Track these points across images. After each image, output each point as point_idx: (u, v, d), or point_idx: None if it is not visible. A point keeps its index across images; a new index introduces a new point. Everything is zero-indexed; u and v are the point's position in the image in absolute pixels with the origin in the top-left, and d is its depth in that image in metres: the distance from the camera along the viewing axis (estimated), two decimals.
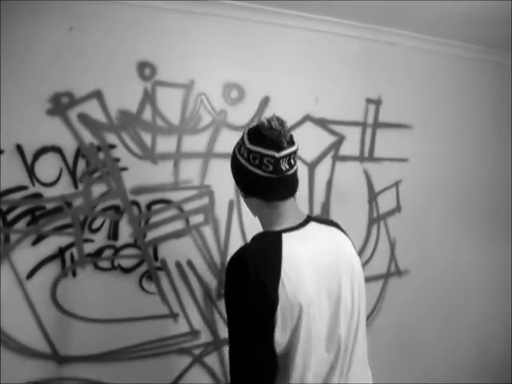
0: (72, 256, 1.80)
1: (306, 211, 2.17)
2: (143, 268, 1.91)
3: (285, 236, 1.10)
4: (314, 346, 1.07)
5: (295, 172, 1.15)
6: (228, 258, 2.07)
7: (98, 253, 1.84)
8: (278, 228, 1.14)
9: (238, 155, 1.16)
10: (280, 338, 1.03)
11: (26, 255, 1.74)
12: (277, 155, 1.07)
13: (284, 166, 1.09)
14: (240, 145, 1.16)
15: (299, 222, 1.16)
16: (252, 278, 1.01)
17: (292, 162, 1.12)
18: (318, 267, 1.09)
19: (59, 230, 1.78)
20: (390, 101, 2.35)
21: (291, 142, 1.12)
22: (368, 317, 2.35)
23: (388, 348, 2.41)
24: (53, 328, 1.79)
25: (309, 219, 1.20)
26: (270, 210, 1.16)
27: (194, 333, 2.01)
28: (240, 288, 1.04)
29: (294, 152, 1.12)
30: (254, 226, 2.07)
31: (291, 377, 1.05)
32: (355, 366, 1.15)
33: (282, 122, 1.10)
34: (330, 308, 1.10)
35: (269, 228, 1.18)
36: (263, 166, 1.09)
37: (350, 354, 1.14)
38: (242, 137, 1.16)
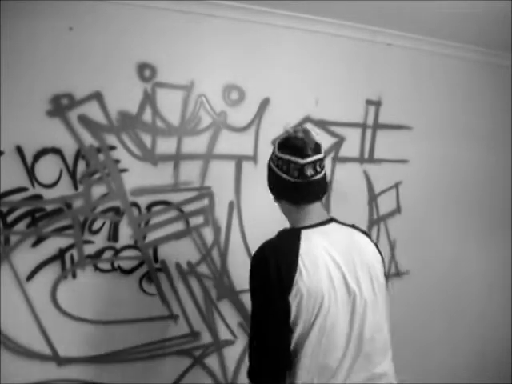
0: (72, 257, 1.80)
1: None
2: (143, 269, 1.91)
3: (304, 231, 1.21)
4: (327, 338, 1.14)
5: (322, 178, 1.25)
6: (228, 259, 2.08)
7: (98, 254, 1.84)
8: (299, 225, 1.25)
9: (270, 163, 1.29)
10: (294, 325, 1.13)
11: (26, 257, 1.74)
12: (301, 161, 1.18)
13: (309, 171, 1.19)
14: (272, 153, 1.29)
15: (320, 221, 1.26)
16: (270, 265, 1.12)
17: (318, 168, 1.21)
18: (335, 261, 1.18)
19: (59, 231, 1.78)
20: (390, 102, 2.35)
21: (316, 150, 1.22)
22: None
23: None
24: (53, 329, 1.79)
25: (331, 220, 1.29)
26: (296, 211, 1.27)
27: (194, 334, 2.01)
28: (259, 274, 1.16)
29: (320, 159, 1.22)
30: (254, 227, 2.08)
31: (300, 366, 1.14)
32: (364, 362, 1.19)
33: (306, 132, 1.23)
34: (347, 302, 1.17)
35: (293, 226, 1.29)
36: (290, 172, 1.20)
37: (360, 350, 1.18)
38: (274, 146, 1.28)
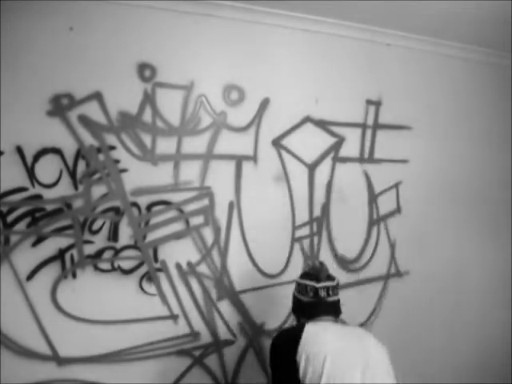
0: (72, 257, 1.80)
1: (305, 213, 2.19)
2: (143, 269, 1.91)
3: (309, 323, 1.46)
4: None
5: (335, 301, 1.53)
6: (228, 259, 2.08)
7: (98, 254, 1.84)
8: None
9: (294, 291, 1.61)
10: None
11: (26, 257, 1.74)
12: (316, 285, 1.51)
13: (322, 293, 1.50)
14: (296, 283, 1.61)
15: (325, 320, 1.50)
16: (279, 350, 1.43)
17: (330, 292, 1.52)
18: (335, 338, 1.39)
19: (59, 231, 1.78)
20: (389, 102, 2.35)
21: (330, 279, 1.55)
22: (367, 318, 2.35)
23: (388, 349, 2.40)
24: (53, 329, 1.79)
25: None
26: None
27: (194, 334, 2.01)
28: (273, 358, 1.45)
29: (333, 286, 1.53)
30: (253, 227, 2.08)
31: None
32: None
33: (321, 264, 1.61)
34: (355, 365, 1.34)
35: None
36: (307, 294, 1.52)
37: None
38: (299, 277, 1.61)
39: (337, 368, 1.30)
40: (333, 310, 1.53)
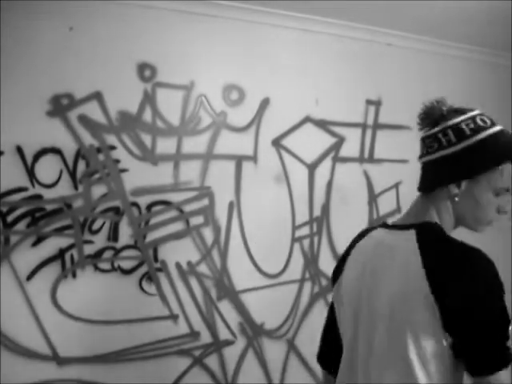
0: (72, 257, 1.80)
1: (305, 213, 2.18)
2: (143, 269, 1.91)
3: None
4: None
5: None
6: (228, 259, 2.07)
7: (98, 254, 1.84)
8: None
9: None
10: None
11: (26, 256, 1.74)
12: None
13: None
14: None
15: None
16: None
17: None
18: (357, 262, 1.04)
19: (59, 231, 1.78)
20: (390, 102, 2.35)
21: None
22: None
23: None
24: (53, 329, 1.79)
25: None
26: None
27: (194, 334, 2.01)
28: None
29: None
30: (254, 227, 2.08)
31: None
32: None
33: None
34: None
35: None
36: None
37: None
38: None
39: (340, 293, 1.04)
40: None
